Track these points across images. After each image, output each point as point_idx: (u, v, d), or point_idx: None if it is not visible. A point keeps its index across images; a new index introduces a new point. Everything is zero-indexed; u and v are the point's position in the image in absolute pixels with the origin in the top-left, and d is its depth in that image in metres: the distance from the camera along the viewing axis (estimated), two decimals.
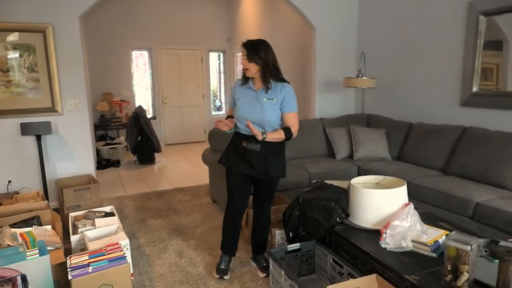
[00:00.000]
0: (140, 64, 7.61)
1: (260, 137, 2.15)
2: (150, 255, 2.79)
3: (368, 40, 4.78)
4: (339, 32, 4.83)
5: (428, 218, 2.29)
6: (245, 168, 2.31)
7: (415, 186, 3.07)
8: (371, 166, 3.61)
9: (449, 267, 1.57)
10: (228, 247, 2.52)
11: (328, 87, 4.92)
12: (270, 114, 2.22)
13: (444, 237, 1.97)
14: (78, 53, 3.76)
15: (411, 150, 3.76)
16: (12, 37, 3.48)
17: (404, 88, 4.31)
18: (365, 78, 4.36)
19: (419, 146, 3.67)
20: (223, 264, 2.49)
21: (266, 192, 2.46)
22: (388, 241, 1.96)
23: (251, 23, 7.08)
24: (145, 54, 7.53)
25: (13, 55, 3.51)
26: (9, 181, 3.63)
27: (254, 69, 2.22)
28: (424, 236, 1.97)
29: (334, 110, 4.94)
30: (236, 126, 2.35)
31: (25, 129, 3.50)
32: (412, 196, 3.09)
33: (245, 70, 2.27)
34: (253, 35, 7.01)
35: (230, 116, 2.43)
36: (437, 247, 1.90)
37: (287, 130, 2.25)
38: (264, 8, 6.56)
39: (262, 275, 2.49)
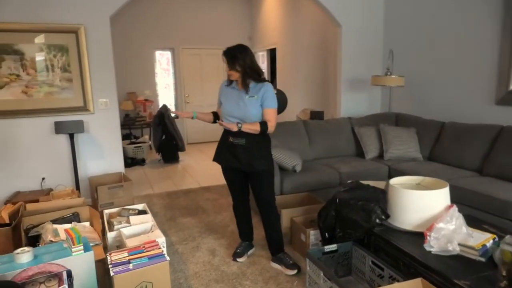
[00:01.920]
0: (163, 64, 7.68)
1: (235, 128, 2.34)
2: (183, 253, 2.80)
3: (396, 37, 4.69)
4: (365, 29, 4.76)
5: (470, 221, 2.21)
6: (233, 162, 2.49)
7: (450, 187, 2.97)
8: (403, 166, 3.54)
9: (504, 273, 1.52)
10: (242, 234, 2.79)
11: (354, 85, 4.86)
12: (252, 110, 2.41)
13: (491, 241, 1.90)
14: (109, 53, 3.83)
15: (443, 150, 3.66)
16: (41, 38, 3.55)
17: (434, 86, 4.20)
18: (393, 76, 4.27)
19: (452, 146, 3.57)
20: (239, 249, 2.75)
21: (257, 186, 2.53)
22: (433, 244, 1.91)
23: (272, 21, 7.06)
24: (168, 54, 7.60)
25: (47, 55, 3.58)
26: (43, 178, 3.72)
27: (236, 75, 2.42)
28: (470, 239, 1.91)
29: (360, 109, 4.86)
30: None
31: (59, 127, 3.58)
32: None
33: (228, 75, 2.46)
34: (274, 33, 6.99)
35: (215, 113, 2.68)
36: (485, 251, 1.84)
37: (263, 124, 2.42)
38: (285, 6, 6.53)
39: (291, 272, 2.48)
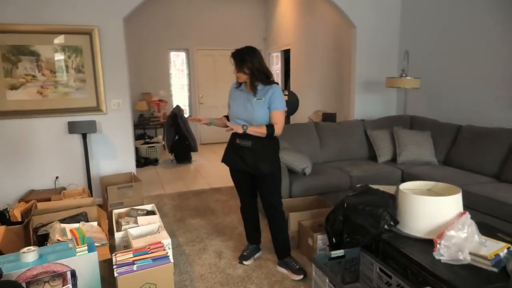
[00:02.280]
0: (177, 65, 7.74)
1: (240, 130, 2.32)
2: (190, 254, 2.80)
3: (412, 37, 4.58)
4: (381, 30, 4.68)
5: (484, 229, 2.13)
6: (239, 164, 2.48)
7: (466, 193, 2.85)
8: (416, 170, 3.45)
9: None
10: (249, 237, 2.78)
11: (368, 87, 4.77)
12: (259, 113, 2.38)
13: (505, 250, 1.82)
14: (122, 54, 3.87)
15: (459, 154, 3.55)
16: (61, 39, 3.62)
17: (451, 88, 4.09)
18: (409, 78, 4.17)
19: (469, 150, 3.46)
20: (246, 251, 2.74)
21: (263, 189, 2.51)
22: (443, 253, 1.84)
23: (287, 22, 7.02)
24: (183, 54, 7.66)
25: (61, 56, 3.65)
26: (57, 177, 3.79)
27: (244, 77, 2.41)
28: (483, 248, 1.83)
29: (374, 111, 4.77)
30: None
31: (72, 127, 3.65)
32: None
33: (236, 77, 2.45)
34: (289, 35, 6.95)
35: (227, 116, 2.66)
36: (498, 261, 1.76)
37: (269, 126, 2.38)
38: (300, 7, 6.48)
39: (297, 277, 2.45)
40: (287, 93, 4.46)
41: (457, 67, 3.99)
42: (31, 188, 3.69)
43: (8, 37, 3.48)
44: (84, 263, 1.86)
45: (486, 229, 2.14)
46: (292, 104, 4.53)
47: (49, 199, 3.12)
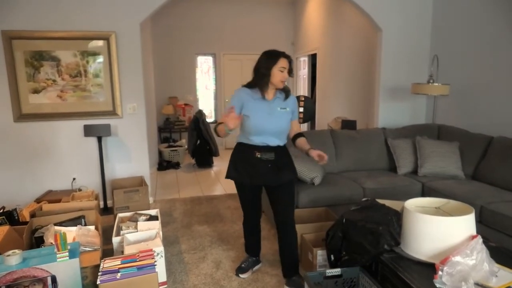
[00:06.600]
0: (204, 69, 7.81)
1: (326, 158, 2.25)
2: (189, 263, 2.74)
3: (443, 41, 4.27)
4: (409, 33, 4.41)
5: (503, 255, 1.88)
6: (257, 178, 2.33)
7: (490, 212, 2.61)
8: (438, 184, 3.18)
9: None
10: (249, 248, 2.67)
11: (395, 94, 4.50)
12: (285, 122, 2.32)
13: None
14: (138, 59, 3.91)
15: (489, 168, 3.24)
16: (80, 44, 3.73)
17: (484, 96, 3.74)
18: (436, 84, 3.88)
19: (500, 164, 3.14)
20: (244, 264, 2.62)
21: (280, 200, 2.38)
22: (445, 281, 1.63)
23: (314, 26, 6.85)
24: (209, 59, 7.71)
25: (80, 61, 3.76)
26: (74, 179, 3.89)
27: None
28: (492, 279, 1.61)
29: (401, 120, 4.49)
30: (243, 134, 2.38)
31: (88, 130, 3.74)
32: (485, 223, 2.64)
33: (281, 82, 2.25)
34: (316, 39, 6.78)
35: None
36: None
37: (303, 135, 2.47)
38: (328, 11, 6.29)
39: None
40: (303, 99, 4.30)
41: (491, 74, 3.64)
42: (50, 189, 3.82)
43: (31, 43, 3.63)
44: (65, 269, 1.84)
45: (505, 256, 1.89)
46: (309, 111, 4.35)
47: (59, 200, 3.19)
